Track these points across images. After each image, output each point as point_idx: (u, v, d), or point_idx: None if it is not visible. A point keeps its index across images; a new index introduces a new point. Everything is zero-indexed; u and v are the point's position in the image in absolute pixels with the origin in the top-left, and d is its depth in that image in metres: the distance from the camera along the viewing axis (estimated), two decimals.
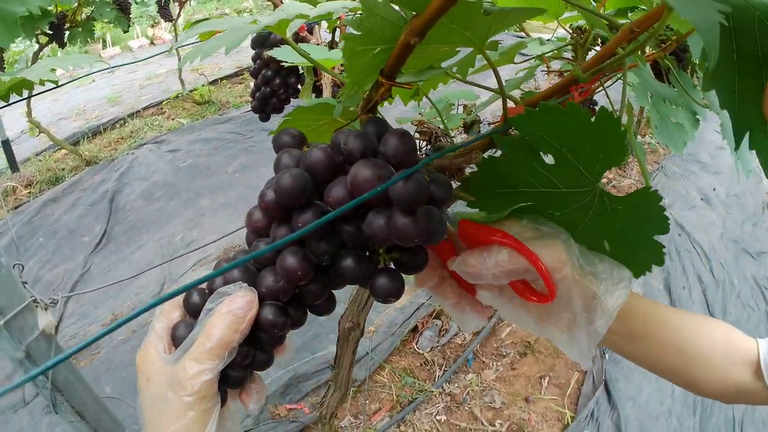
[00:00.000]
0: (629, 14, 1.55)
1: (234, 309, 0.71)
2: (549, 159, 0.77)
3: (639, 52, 1.41)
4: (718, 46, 0.53)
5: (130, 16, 5.39)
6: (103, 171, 6.09)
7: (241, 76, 8.64)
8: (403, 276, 0.78)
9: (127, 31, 6.21)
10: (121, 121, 7.29)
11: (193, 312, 0.76)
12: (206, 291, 0.77)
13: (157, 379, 0.73)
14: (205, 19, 0.96)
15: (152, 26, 10.51)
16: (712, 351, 1.05)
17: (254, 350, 0.76)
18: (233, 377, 0.76)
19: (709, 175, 6.46)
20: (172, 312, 0.78)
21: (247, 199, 5.38)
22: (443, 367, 3.74)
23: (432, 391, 3.56)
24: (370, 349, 3.71)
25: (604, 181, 5.14)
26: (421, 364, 3.76)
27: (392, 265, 0.79)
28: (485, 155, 0.82)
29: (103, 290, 4.28)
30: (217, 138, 6.61)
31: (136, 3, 5.25)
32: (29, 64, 5.78)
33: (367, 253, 0.79)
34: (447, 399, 3.55)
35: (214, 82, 8.21)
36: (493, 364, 3.76)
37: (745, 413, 3.60)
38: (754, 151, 0.64)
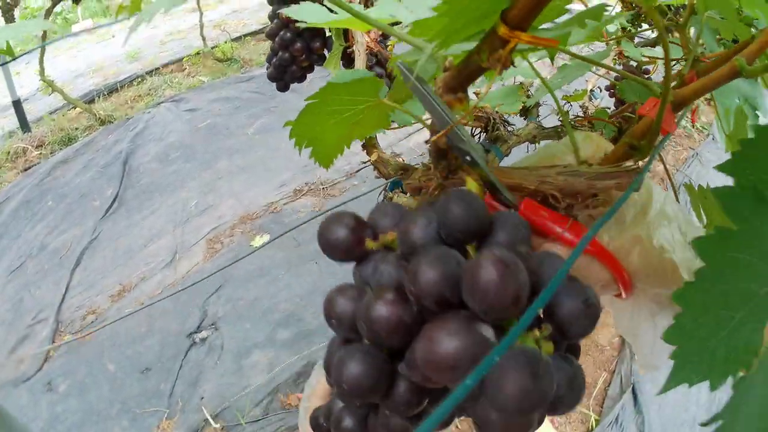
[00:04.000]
0: None
1: None
2: None
3: None
4: None
5: None
6: (118, 131, 5.89)
7: None
8: None
9: None
10: (139, 79, 7.09)
11: None
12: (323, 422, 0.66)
13: None
14: None
15: None
16: None
17: None
18: None
19: None
20: None
21: (266, 163, 5.17)
22: None
23: None
24: None
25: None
26: None
27: None
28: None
29: (111, 258, 4.15)
30: (239, 97, 6.38)
31: None
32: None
33: None
34: None
35: (237, 39, 7.94)
36: None
37: None
38: None
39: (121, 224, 4.56)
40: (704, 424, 0.47)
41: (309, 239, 4.06)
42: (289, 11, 1.00)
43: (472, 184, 0.61)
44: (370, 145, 1.28)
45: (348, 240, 0.59)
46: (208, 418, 3.04)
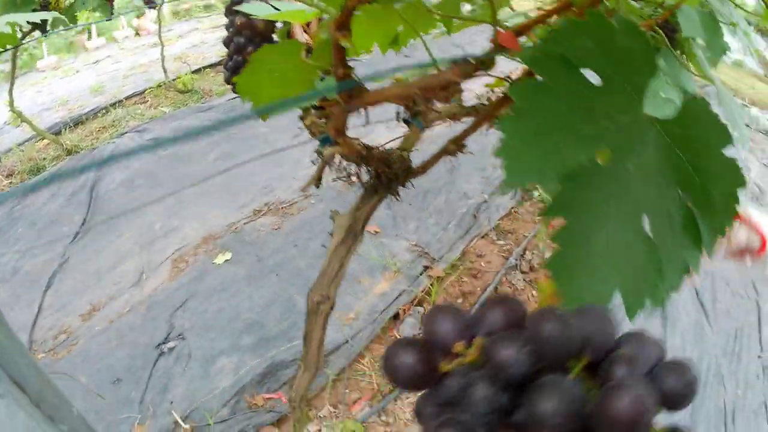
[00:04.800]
0: None
1: None
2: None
3: None
4: None
5: (114, 3, 5.30)
6: (85, 160, 5.99)
7: None
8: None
9: (111, 19, 6.16)
10: (104, 111, 7.21)
11: None
12: None
13: None
14: None
15: (138, 17, 10.47)
16: None
17: None
18: None
19: None
20: None
21: (226, 187, 5.35)
22: None
23: None
24: (350, 336, 3.65)
25: None
26: None
27: None
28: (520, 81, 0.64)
29: (81, 280, 4.28)
30: (199, 126, 6.48)
31: None
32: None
33: None
34: None
35: (197, 71, 8.11)
36: None
37: (736, 403, 3.58)
38: None
39: (89, 248, 4.68)
40: (543, 215, 0.60)
41: (269, 254, 4.26)
42: (242, 7, 1.25)
43: (545, 287, 0.61)
44: (305, 113, 1.48)
45: (422, 369, 0.52)
46: (178, 420, 3.18)
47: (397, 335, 3.79)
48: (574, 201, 0.62)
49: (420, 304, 3.98)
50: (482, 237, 4.57)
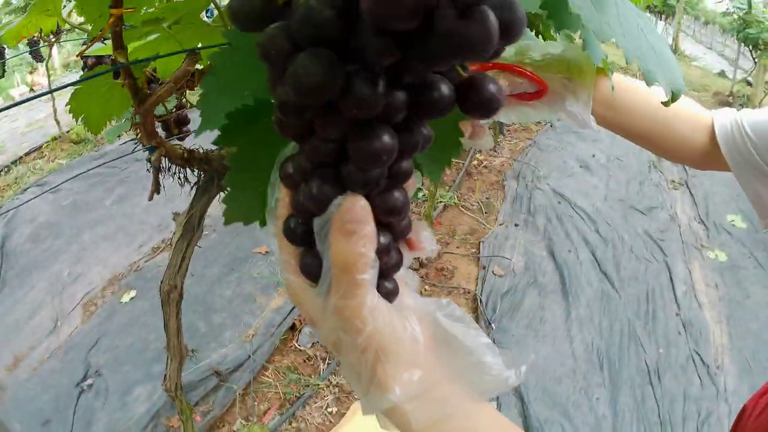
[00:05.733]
0: None
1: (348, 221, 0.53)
2: None
3: None
4: None
5: (5, 61, 5.43)
6: None
7: None
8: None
9: (2, 76, 6.27)
10: (6, 169, 7.38)
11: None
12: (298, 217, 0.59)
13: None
14: None
15: (31, 72, 10.49)
16: (681, 119, 1.29)
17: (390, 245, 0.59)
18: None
19: (587, 144, 6.80)
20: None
21: (125, 229, 5.60)
22: (327, 361, 3.95)
23: (318, 385, 3.75)
24: (251, 351, 3.92)
25: (474, 162, 5.46)
26: (305, 360, 3.97)
27: None
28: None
29: (3, 334, 4.44)
30: (95, 173, 6.69)
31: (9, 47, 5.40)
32: None
33: None
34: (335, 390, 3.74)
35: None
36: None
37: (659, 361, 3.83)
38: None
39: (6, 303, 4.83)
40: (214, 143, 0.69)
41: None
42: (89, 51, 1.43)
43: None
44: (133, 125, 1.55)
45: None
46: None
47: (296, 345, 4.08)
48: (240, 132, 0.70)
49: None
50: None
